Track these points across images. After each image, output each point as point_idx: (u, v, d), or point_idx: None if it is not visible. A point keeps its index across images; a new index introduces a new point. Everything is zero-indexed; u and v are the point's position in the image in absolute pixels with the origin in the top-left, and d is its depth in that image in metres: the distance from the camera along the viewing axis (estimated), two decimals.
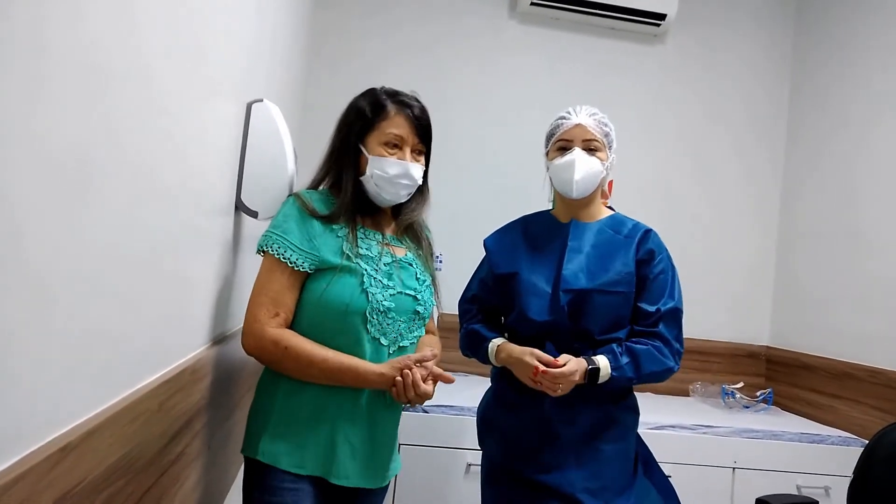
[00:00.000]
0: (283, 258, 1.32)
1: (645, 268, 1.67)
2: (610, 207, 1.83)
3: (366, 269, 1.36)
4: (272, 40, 1.90)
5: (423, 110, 1.46)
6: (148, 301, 0.99)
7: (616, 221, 1.75)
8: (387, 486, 1.48)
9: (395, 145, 1.42)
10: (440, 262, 3.06)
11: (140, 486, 0.96)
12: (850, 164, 2.89)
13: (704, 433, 2.52)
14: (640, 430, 1.76)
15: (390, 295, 1.38)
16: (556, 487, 1.59)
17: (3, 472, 0.60)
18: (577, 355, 1.64)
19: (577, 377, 1.55)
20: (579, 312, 1.63)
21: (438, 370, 1.38)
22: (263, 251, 1.35)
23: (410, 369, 1.32)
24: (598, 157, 1.69)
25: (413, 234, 1.53)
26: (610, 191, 1.84)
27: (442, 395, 2.50)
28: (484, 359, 1.75)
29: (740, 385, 3.04)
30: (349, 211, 1.40)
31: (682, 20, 3.23)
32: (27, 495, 0.63)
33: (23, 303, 0.62)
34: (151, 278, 0.99)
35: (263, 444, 1.32)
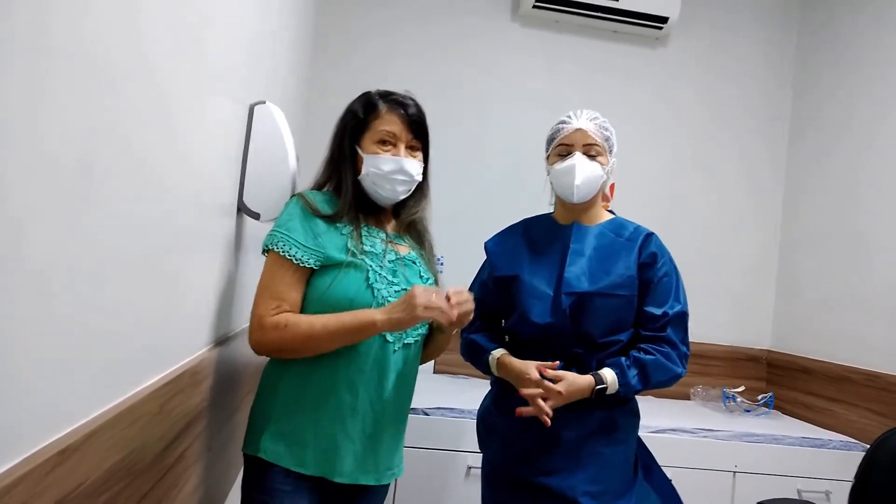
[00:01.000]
0: (289, 255, 1.32)
1: (648, 271, 1.67)
2: (611, 211, 1.83)
3: (371, 266, 1.37)
4: (275, 41, 1.90)
5: (417, 107, 1.47)
6: (148, 302, 0.98)
7: (617, 225, 1.75)
8: (387, 487, 1.48)
9: (389, 142, 1.43)
10: (441, 264, 3.06)
11: (140, 488, 0.96)
12: (851, 167, 2.88)
13: (705, 437, 2.52)
14: (641, 434, 1.76)
15: (395, 291, 1.39)
16: (557, 490, 1.59)
17: (2, 474, 0.60)
18: (578, 360, 1.64)
19: (571, 396, 1.55)
20: (581, 315, 1.63)
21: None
22: (268, 250, 1.36)
23: (413, 297, 1.29)
24: (599, 162, 1.68)
25: (416, 232, 1.54)
26: (612, 194, 1.83)
27: (442, 397, 2.51)
28: (485, 370, 1.75)
29: (741, 389, 3.03)
30: (352, 210, 1.42)
31: (684, 23, 3.23)
32: (26, 498, 0.63)
33: (22, 303, 0.62)
34: (152, 279, 0.99)
35: (265, 441, 1.33)
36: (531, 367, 1.59)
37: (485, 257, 1.87)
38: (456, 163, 3.15)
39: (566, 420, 1.57)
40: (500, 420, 1.73)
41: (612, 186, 1.81)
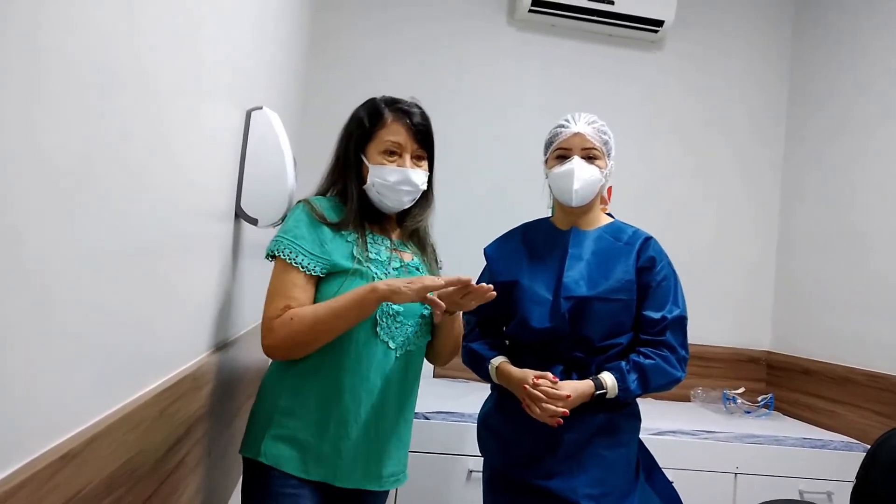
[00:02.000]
0: (295, 263, 1.32)
1: (647, 275, 1.67)
2: (609, 214, 1.83)
3: (376, 273, 1.37)
4: (271, 46, 1.91)
5: (423, 116, 1.46)
6: (147, 308, 0.98)
7: (615, 228, 1.75)
8: (388, 492, 1.48)
9: (394, 153, 1.43)
10: (441, 269, 3.06)
11: (141, 494, 0.96)
12: (848, 167, 2.89)
13: (706, 439, 2.52)
14: (641, 436, 1.76)
15: None
16: (559, 493, 1.59)
17: (3, 479, 0.60)
18: (577, 364, 1.64)
19: (576, 400, 1.55)
20: (580, 319, 1.63)
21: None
22: (274, 256, 1.35)
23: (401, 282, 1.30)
24: (597, 166, 1.69)
25: (418, 240, 1.55)
26: (609, 197, 1.84)
27: (443, 401, 2.50)
28: (486, 378, 1.76)
29: (741, 390, 3.03)
30: (357, 218, 1.42)
31: (679, 26, 3.24)
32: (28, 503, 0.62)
33: (21, 309, 0.62)
34: (151, 285, 0.99)
35: (266, 445, 1.32)
36: (529, 377, 1.59)
37: (483, 262, 1.87)
38: (453, 166, 3.14)
39: (568, 423, 1.57)
40: (501, 423, 1.73)
41: (609, 190, 1.81)
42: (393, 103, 1.45)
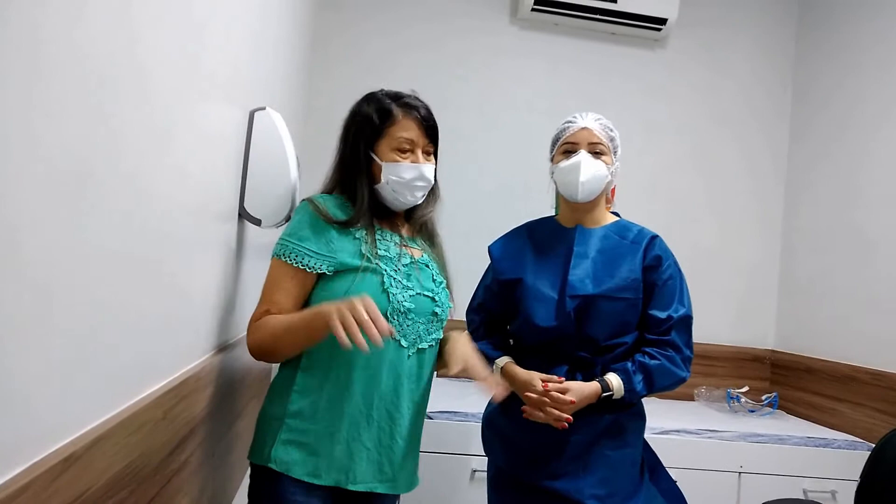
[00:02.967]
0: (301, 265, 1.31)
1: (652, 274, 1.66)
2: (615, 213, 1.83)
3: (385, 270, 1.35)
4: (275, 47, 1.91)
5: (428, 109, 1.45)
6: (150, 309, 0.99)
7: (621, 227, 1.75)
8: (399, 495, 1.44)
9: (407, 149, 1.41)
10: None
11: (144, 495, 0.96)
12: (853, 165, 2.88)
13: (710, 438, 2.51)
14: (645, 436, 1.75)
15: (410, 296, 1.37)
16: (564, 493, 1.59)
17: (5, 483, 0.60)
18: (582, 363, 1.64)
19: (581, 404, 1.55)
20: (585, 318, 1.63)
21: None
22: (278, 258, 1.34)
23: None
24: (604, 161, 1.68)
25: (427, 234, 1.54)
26: (613, 196, 1.83)
27: (447, 400, 2.50)
28: None
29: (745, 389, 3.02)
30: (367, 216, 1.40)
31: (682, 24, 3.23)
32: None
33: (23, 311, 0.62)
34: (154, 286, 0.99)
35: (276, 451, 1.29)
36: (536, 379, 1.59)
37: (487, 261, 1.87)
38: (457, 165, 3.14)
39: (573, 424, 1.56)
40: (506, 423, 1.72)
41: (612, 190, 1.81)
42: (398, 98, 1.43)
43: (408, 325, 1.37)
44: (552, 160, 1.76)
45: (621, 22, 3.14)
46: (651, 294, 1.66)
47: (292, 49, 2.30)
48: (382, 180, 1.41)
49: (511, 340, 1.80)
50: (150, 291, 0.98)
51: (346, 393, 1.31)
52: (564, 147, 1.72)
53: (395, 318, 1.34)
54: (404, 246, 1.44)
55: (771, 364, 3.24)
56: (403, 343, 1.36)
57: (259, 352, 1.32)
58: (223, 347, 1.48)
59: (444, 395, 2.60)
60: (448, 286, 1.50)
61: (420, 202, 1.47)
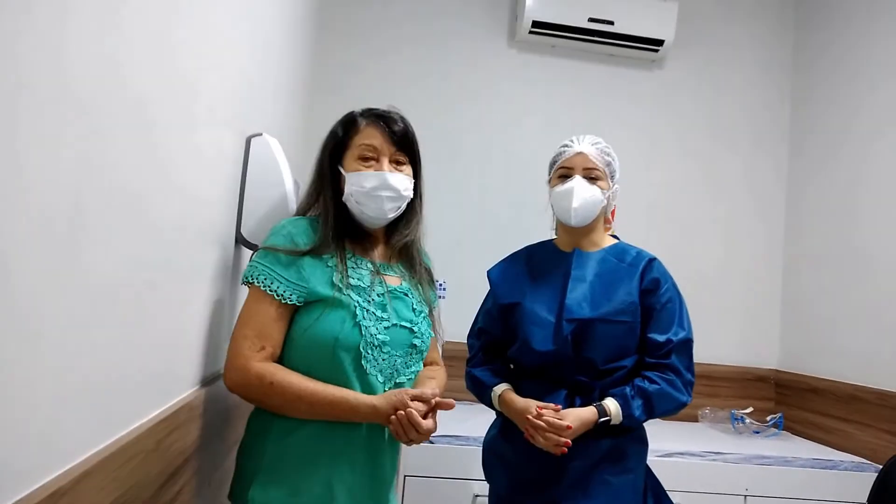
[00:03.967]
0: (270, 290, 1.24)
1: (651, 297, 1.65)
2: (614, 236, 1.82)
3: (357, 302, 1.28)
4: (272, 72, 1.92)
5: (402, 120, 1.39)
6: (145, 337, 0.98)
7: (619, 250, 1.74)
8: None
9: (370, 158, 1.35)
10: (443, 289, 3.05)
11: None
12: (852, 182, 2.87)
13: (714, 460, 2.48)
14: (649, 459, 1.73)
15: (384, 328, 1.30)
16: None
17: None
18: (581, 387, 1.62)
19: (579, 429, 1.54)
20: (582, 342, 1.62)
21: (439, 399, 1.29)
22: (249, 282, 1.27)
23: (406, 407, 1.22)
24: (599, 186, 1.68)
25: (408, 259, 1.45)
26: (613, 218, 1.83)
27: (447, 424, 2.47)
28: (489, 405, 1.75)
29: (750, 410, 2.99)
30: (335, 237, 1.32)
31: (679, 45, 3.25)
32: None
33: (11, 341, 0.62)
34: (149, 314, 0.99)
35: (254, 490, 1.24)
36: (532, 407, 1.57)
37: (488, 284, 1.86)
38: (457, 187, 3.16)
39: (573, 449, 1.54)
40: (507, 449, 1.71)
41: (612, 211, 1.81)
42: (368, 110, 1.40)
43: (383, 359, 1.30)
44: (549, 183, 1.77)
45: (618, 44, 3.17)
46: (649, 317, 1.65)
47: (291, 73, 2.32)
48: (347, 192, 1.35)
49: (511, 365, 1.79)
50: (145, 319, 0.97)
51: (325, 432, 1.26)
52: (560, 171, 1.72)
53: (370, 351, 1.28)
54: (378, 273, 1.36)
55: (775, 384, 3.21)
56: (379, 378, 1.29)
57: (249, 396, 1.25)
58: (218, 376, 1.47)
59: (445, 419, 2.56)
60: (432, 315, 1.44)
61: (391, 216, 1.38)
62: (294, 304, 1.26)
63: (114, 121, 0.79)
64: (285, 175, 1.59)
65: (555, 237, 1.85)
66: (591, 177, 1.69)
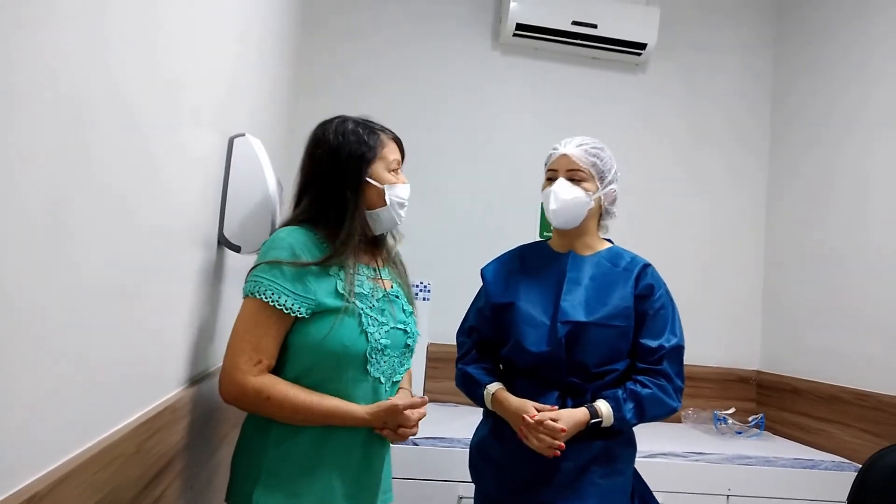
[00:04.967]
0: (279, 304, 1.23)
1: (644, 303, 1.66)
2: (608, 240, 1.83)
3: (363, 309, 1.31)
4: (256, 71, 1.91)
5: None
6: (127, 338, 0.97)
7: (614, 254, 1.75)
8: None
9: (395, 170, 1.42)
10: (428, 290, 3.05)
11: None
12: (827, 186, 2.91)
13: (697, 460, 2.50)
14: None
15: (385, 332, 1.34)
16: None
17: None
18: (573, 389, 1.63)
19: (572, 432, 1.55)
20: (576, 345, 1.62)
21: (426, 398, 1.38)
22: (251, 296, 1.25)
23: (398, 425, 1.31)
24: (584, 188, 1.68)
25: (392, 260, 1.51)
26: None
27: (433, 426, 2.47)
28: (479, 403, 1.75)
29: (732, 410, 3.02)
30: (350, 251, 1.33)
31: (662, 48, 3.27)
32: None
33: None
34: (131, 314, 0.98)
35: (258, 494, 1.25)
36: (530, 408, 1.58)
37: (476, 285, 1.86)
38: (441, 188, 3.16)
39: (565, 451, 1.55)
40: (498, 450, 1.70)
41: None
42: (369, 122, 1.42)
43: (384, 361, 1.35)
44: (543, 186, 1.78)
45: (602, 47, 3.19)
46: (642, 323, 1.66)
47: (275, 74, 2.31)
48: (387, 203, 1.38)
49: (501, 365, 1.78)
50: (126, 320, 0.96)
51: (326, 434, 1.28)
52: (547, 174, 1.74)
53: (374, 356, 1.32)
54: (377, 279, 1.41)
55: (757, 385, 3.24)
56: (382, 379, 1.34)
57: (245, 409, 1.29)
58: (201, 377, 1.45)
59: (430, 421, 2.56)
60: (414, 314, 1.49)
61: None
62: (294, 316, 1.26)
63: (97, 121, 0.78)
64: (268, 176, 1.58)
65: (541, 238, 1.86)
66: (575, 178, 1.69)
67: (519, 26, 3.10)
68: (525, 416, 1.56)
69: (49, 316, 0.72)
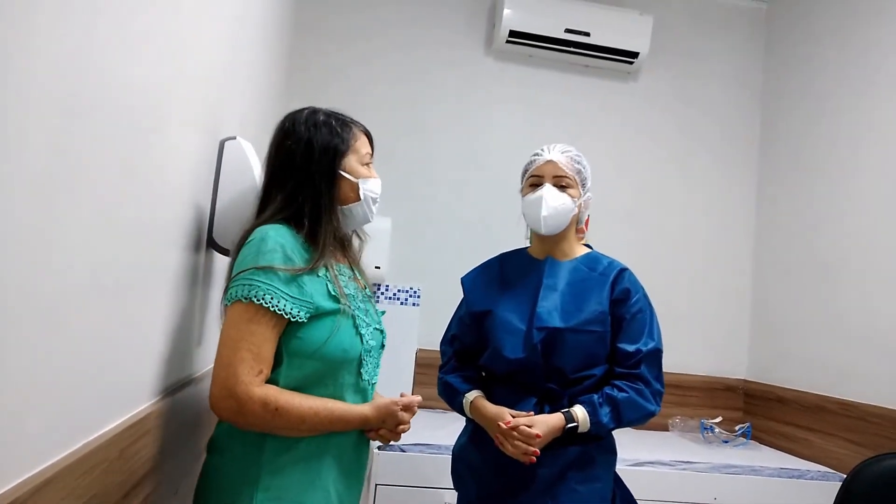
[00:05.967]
0: (278, 309, 1.15)
1: (621, 307, 1.66)
2: (588, 245, 1.83)
3: (355, 311, 1.28)
4: (247, 76, 1.90)
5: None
6: (112, 342, 0.96)
7: (591, 259, 1.75)
8: None
9: (367, 164, 1.37)
10: (418, 296, 3.04)
11: None
12: (815, 196, 2.93)
13: (684, 469, 2.50)
14: (619, 468, 1.74)
15: (372, 331, 1.33)
16: None
17: None
18: (551, 395, 1.63)
19: (547, 437, 1.55)
20: (552, 351, 1.62)
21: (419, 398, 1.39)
22: (244, 301, 1.15)
23: (397, 423, 1.31)
24: (570, 194, 1.69)
25: (357, 262, 1.46)
26: (586, 228, 1.84)
27: (419, 433, 2.46)
28: (459, 412, 1.75)
29: (719, 419, 3.03)
30: (330, 248, 1.28)
31: (654, 57, 3.29)
32: None
33: None
34: (117, 319, 0.97)
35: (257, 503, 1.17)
36: (505, 414, 1.58)
37: (461, 291, 1.86)
38: (432, 195, 3.15)
39: (542, 457, 1.55)
40: (476, 457, 1.71)
41: (586, 221, 1.82)
42: (339, 114, 1.36)
43: (371, 363, 1.33)
44: (522, 192, 1.77)
45: (594, 55, 3.20)
46: (619, 327, 1.66)
47: (268, 78, 2.30)
48: (360, 198, 1.34)
49: (483, 373, 1.79)
50: (112, 325, 0.95)
51: (326, 441, 1.24)
52: (531, 180, 1.73)
53: (365, 357, 1.29)
54: (356, 279, 1.38)
55: (744, 394, 3.25)
56: (371, 381, 1.34)
57: (247, 423, 1.16)
58: (187, 382, 1.44)
59: (417, 427, 2.56)
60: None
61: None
62: (286, 320, 1.18)
63: (85, 123, 0.78)
64: (258, 179, 1.57)
65: (528, 245, 1.86)
66: (562, 185, 1.70)
67: (512, 33, 3.11)
68: (500, 422, 1.56)
69: (33, 319, 0.71)
